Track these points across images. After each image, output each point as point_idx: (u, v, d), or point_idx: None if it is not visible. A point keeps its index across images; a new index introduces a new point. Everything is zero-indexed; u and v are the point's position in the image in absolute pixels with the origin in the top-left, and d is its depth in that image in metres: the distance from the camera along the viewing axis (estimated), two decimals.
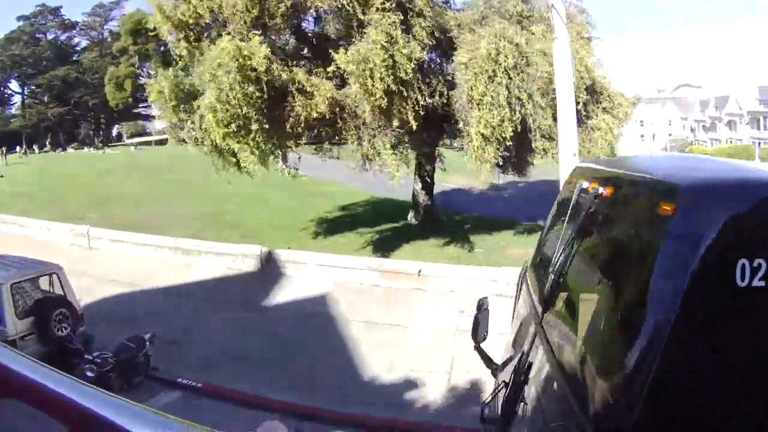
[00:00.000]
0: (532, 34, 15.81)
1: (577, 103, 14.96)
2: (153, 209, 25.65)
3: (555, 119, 15.18)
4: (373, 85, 13.42)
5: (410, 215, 21.68)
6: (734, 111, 77.90)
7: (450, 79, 16.67)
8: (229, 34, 15.05)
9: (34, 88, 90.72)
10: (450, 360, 10.68)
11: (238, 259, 16.25)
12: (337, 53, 14.04)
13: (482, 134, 14.84)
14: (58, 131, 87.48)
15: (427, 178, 20.81)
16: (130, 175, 39.35)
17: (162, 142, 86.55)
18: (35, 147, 77.21)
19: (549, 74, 14.23)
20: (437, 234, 19.80)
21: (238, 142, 13.60)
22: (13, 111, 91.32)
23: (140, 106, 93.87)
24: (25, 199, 29.24)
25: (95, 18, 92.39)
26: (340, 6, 14.80)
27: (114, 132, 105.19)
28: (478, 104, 14.88)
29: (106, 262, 17.12)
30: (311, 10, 16.15)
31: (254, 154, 13.86)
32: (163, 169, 41.25)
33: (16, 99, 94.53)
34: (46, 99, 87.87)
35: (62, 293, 10.60)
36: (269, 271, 15.75)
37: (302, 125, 14.56)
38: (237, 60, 12.66)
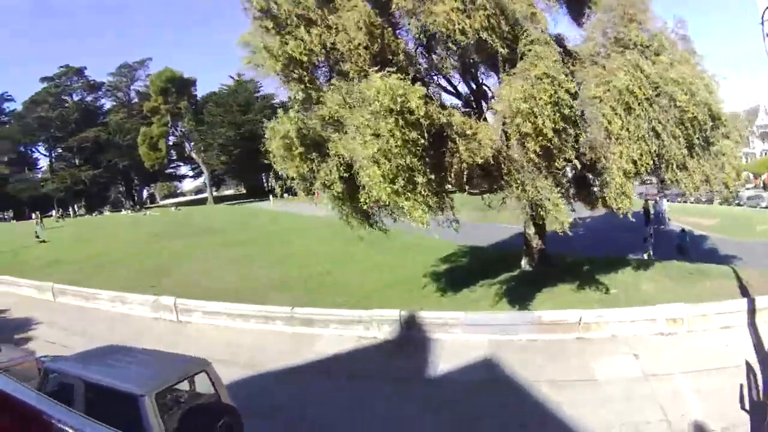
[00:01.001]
0: (653, 63, 14.64)
1: (702, 131, 14.31)
2: (233, 275, 23.84)
3: (688, 149, 14.43)
4: (543, 124, 12.27)
5: (524, 261, 20.21)
6: (765, 122, 76.12)
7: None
8: (342, 73, 13.89)
9: (61, 150, 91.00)
10: (659, 408, 9.87)
11: (372, 326, 14.59)
12: (502, 89, 13.11)
13: (624, 170, 13.82)
14: (90, 194, 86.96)
15: (539, 221, 19.30)
16: (186, 237, 37.18)
17: (201, 201, 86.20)
18: (70, 210, 76.92)
19: (685, 103, 13.50)
20: (562, 278, 18.42)
21: (407, 199, 12.04)
22: (40, 175, 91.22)
23: (172, 165, 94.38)
24: (79, 266, 27.72)
25: (121, 78, 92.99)
26: (481, 40, 13.46)
27: (144, 193, 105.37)
28: (616, 139, 13.77)
29: (205, 339, 15.41)
30: (446, 43, 14.62)
31: (425, 212, 12.30)
32: (218, 230, 39.76)
33: (42, 162, 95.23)
34: (77, 161, 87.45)
35: (216, 394, 8.52)
36: (412, 336, 14.12)
37: (465, 173, 13.17)
38: (395, 102, 11.25)
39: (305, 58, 13.69)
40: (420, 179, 11.90)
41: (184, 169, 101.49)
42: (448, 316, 14.45)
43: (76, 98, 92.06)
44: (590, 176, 15.93)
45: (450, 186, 14.42)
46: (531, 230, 19.34)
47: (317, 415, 10.56)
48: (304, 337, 14.92)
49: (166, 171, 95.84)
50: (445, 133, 12.81)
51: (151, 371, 8.21)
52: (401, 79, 11.91)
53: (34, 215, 53.24)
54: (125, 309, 18.64)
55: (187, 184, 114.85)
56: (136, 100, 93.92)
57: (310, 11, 13.89)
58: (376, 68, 12.77)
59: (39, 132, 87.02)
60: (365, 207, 13.46)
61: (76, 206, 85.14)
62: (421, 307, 15.83)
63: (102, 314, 18.51)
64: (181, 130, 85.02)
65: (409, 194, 11.91)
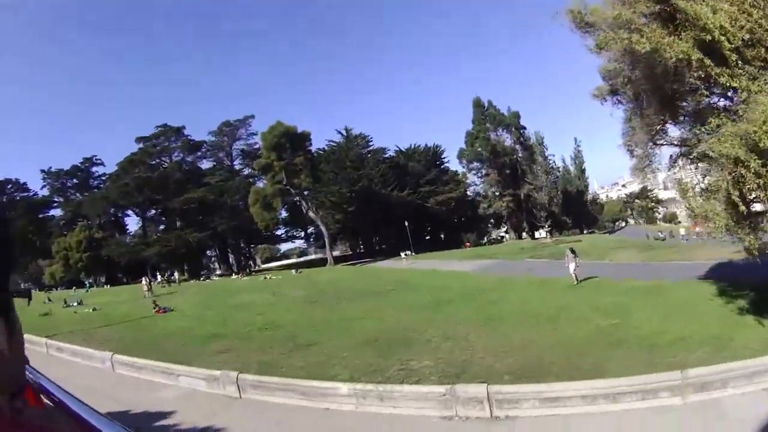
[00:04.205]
0: None
1: None
2: (496, 345, 18.92)
3: None
4: None
5: None
6: None
7: None
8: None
9: (154, 213, 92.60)
10: None
11: None
12: None
13: None
14: (193, 259, 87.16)
15: None
16: (355, 301, 32.87)
17: (314, 263, 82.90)
18: (176, 276, 76.87)
19: None
20: None
21: None
22: (128, 239, 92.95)
23: (282, 226, 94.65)
24: (245, 342, 22.55)
25: (222, 138, 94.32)
26: None
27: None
28: None
29: None
30: None
31: None
32: (388, 292, 35.80)
33: (132, 226, 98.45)
34: (178, 224, 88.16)
35: None
36: None
37: None
38: None
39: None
40: None
41: (281, 231, 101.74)
42: None
43: (175, 158, 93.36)
44: None
45: None
46: None
47: None
48: (707, 409, 11.45)
49: (276, 232, 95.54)
50: None
51: None
52: None
53: (144, 280, 50.94)
54: (386, 408, 13.08)
55: (286, 247, 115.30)
56: (239, 159, 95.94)
57: None
58: None
59: (136, 194, 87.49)
60: None
61: (176, 272, 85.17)
62: None
63: (348, 420, 12.75)
64: (297, 189, 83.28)
65: None
